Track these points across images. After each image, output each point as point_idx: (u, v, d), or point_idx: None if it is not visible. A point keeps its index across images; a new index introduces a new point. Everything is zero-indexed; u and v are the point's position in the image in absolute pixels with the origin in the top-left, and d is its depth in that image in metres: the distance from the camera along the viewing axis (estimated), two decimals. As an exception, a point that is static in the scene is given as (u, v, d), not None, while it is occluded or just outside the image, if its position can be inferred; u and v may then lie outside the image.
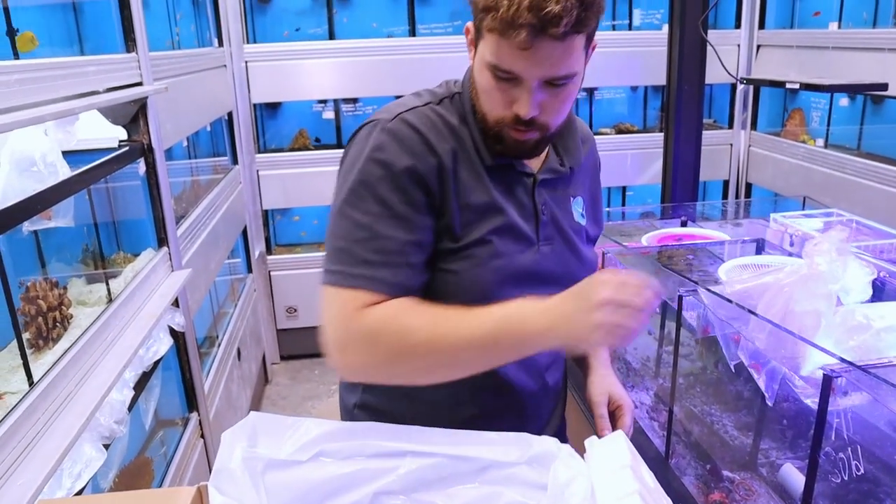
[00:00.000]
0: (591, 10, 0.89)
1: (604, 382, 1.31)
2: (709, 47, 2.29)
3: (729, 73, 2.38)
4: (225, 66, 3.39)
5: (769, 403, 1.31)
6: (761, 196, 3.76)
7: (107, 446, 1.43)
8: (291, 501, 0.87)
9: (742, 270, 1.62)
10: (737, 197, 3.89)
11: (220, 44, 3.37)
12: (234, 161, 3.55)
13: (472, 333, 0.89)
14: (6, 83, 1.21)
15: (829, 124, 3.27)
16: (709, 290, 1.32)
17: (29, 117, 1.15)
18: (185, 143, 2.66)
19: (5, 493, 1.03)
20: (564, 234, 1.13)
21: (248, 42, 3.53)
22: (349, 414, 1.20)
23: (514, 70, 0.92)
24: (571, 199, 1.18)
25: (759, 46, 3.67)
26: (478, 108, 1.02)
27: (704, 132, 3.81)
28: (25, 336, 1.31)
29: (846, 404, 1.06)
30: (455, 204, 1.01)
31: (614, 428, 1.23)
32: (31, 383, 1.22)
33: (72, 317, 1.46)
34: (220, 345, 2.76)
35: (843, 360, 1.02)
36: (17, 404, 1.15)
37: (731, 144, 3.87)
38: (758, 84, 2.62)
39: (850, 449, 0.98)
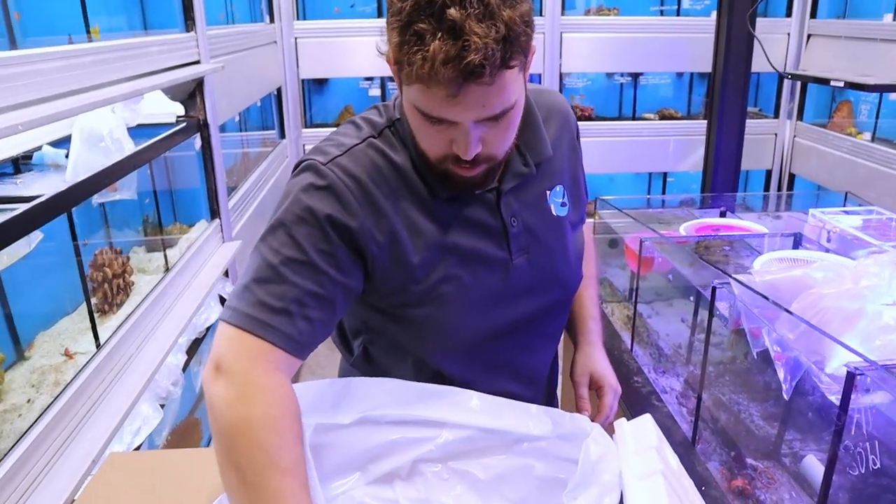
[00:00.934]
0: (516, 43, 0.79)
1: (588, 362, 1.28)
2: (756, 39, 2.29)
3: (774, 68, 2.37)
4: (275, 42, 3.47)
5: (785, 397, 1.35)
6: (804, 188, 3.72)
7: (163, 406, 1.54)
8: (336, 463, 0.95)
9: (777, 264, 1.64)
10: (779, 188, 3.86)
11: (272, 20, 3.45)
12: (282, 135, 3.65)
13: None
14: (82, 64, 1.30)
15: (877, 118, 3.23)
16: (739, 281, 1.35)
17: (103, 98, 1.23)
18: (237, 118, 2.75)
19: (77, 446, 1.13)
20: (540, 238, 1.05)
21: (297, 18, 3.60)
22: None
23: (444, 117, 0.84)
24: (548, 192, 1.09)
25: (809, 36, 3.61)
26: (416, 144, 0.93)
27: (749, 121, 3.79)
28: (93, 301, 1.41)
29: (868, 402, 1.10)
30: (409, 247, 0.94)
31: (594, 410, 1.22)
32: (98, 345, 1.32)
33: (133, 284, 1.56)
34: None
35: (867, 358, 1.05)
36: (85, 364, 1.25)
37: (776, 134, 3.83)
38: (803, 80, 2.61)
39: (868, 444, 1.02)
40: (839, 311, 1.22)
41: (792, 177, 3.81)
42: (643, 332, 2.07)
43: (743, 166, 3.94)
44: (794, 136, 3.75)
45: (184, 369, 1.72)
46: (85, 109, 1.16)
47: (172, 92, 1.98)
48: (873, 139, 3.19)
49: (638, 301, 2.11)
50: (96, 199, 1.49)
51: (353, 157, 0.93)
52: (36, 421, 1.07)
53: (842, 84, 1.91)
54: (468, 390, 0.97)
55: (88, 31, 1.46)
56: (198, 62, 2.01)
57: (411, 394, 0.96)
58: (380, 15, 3.61)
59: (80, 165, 1.43)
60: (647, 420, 0.96)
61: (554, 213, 1.08)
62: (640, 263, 2.09)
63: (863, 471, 1.04)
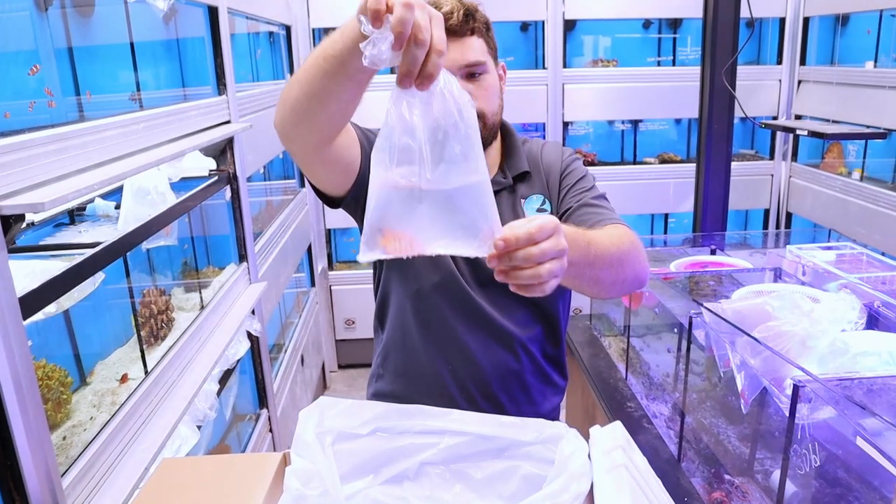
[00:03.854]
0: (475, 17, 1.25)
1: None
2: (736, 91, 2.49)
3: (747, 117, 2.57)
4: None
5: (743, 411, 1.50)
6: (801, 226, 3.88)
7: (199, 427, 1.72)
8: (354, 466, 1.13)
9: (753, 297, 1.81)
10: (777, 226, 4.02)
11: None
12: (302, 184, 3.88)
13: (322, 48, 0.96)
14: (136, 131, 1.52)
15: (864, 158, 3.40)
16: (709, 309, 1.52)
17: (155, 159, 1.45)
18: (261, 169, 2.98)
19: (132, 454, 1.31)
20: None
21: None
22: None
23: None
24: (522, 200, 1.38)
25: (800, 82, 3.82)
26: None
27: (746, 163, 3.99)
28: (142, 333, 1.61)
29: (819, 417, 1.26)
30: None
31: None
32: (146, 371, 1.51)
33: (174, 320, 1.76)
34: (286, 351, 3.06)
35: (809, 373, 1.22)
36: (136, 387, 1.44)
37: (773, 175, 4.01)
38: (774, 129, 2.80)
39: (811, 445, 1.18)
40: (794, 337, 1.38)
41: (789, 215, 3.97)
42: (636, 363, 2.24)
43: (741, 206, 4.14)
44: (790, 177, 3.93)
45: (217, 395, 1.90)
46: (141, 170, 1.37)
47: (206, 149, 2.21)
48: (862, 178, 3.36)
49: (631, 335, 2.28)
50: (144, 245, 1.69)
51: None
52: (98, 434, 1.25)
53: (805, 133, 2.10)
54: (466, 411, 1.15)
55: (141, 104, 1.69)
56: (228, 122, 2.24)
57: (418, 412, 1.14)
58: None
59: (130, 216, 1.64)
60: (617, 426, 1.13)
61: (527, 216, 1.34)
62: (631, 299, 2.26)
63: (808, 469, 1.20)
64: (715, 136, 2.41)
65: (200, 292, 1.92)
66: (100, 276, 1.33)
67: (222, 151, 2.26)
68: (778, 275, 2.11)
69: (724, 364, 1.55)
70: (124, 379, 1.44)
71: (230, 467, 1.15)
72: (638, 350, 2.24)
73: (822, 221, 3.62)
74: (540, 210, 1.39)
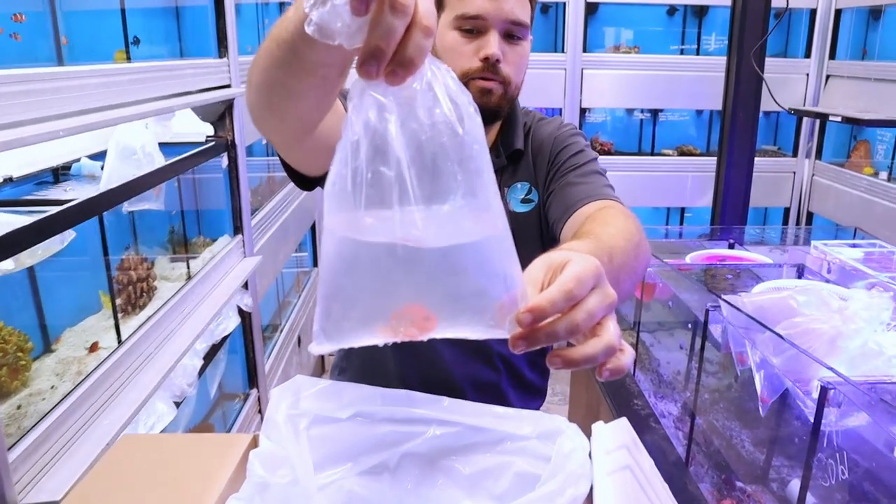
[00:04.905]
0: None
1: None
2: (766, 76, 2.36)
3: (777, 104, 2.44)
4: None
5: (761, 413, 1.38)
6: (819, 225, 3.74)
7: (178, 404, 1.62)
8: (330, 453, 1.02)
9: (775, 292, 1.69)
10: (797, 225, 3.88)
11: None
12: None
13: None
14: (120, 83, 1.41)
15: (894, 157, 3.25)
16: (728, 302, 1.41)
17: (137, 112, 1.34)
18: (265, 141, 2.88)
19: (95, 429, 1.21)
20: None
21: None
22: None
23: (481, 13, 1.07)
24: (506, 189, 1.21)
25: (828, 77, 3.66)
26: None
27: (768, 159, 3.85)
28: (118, 301, 1.51)
29: (849, 424, 1.14)
30: None
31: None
32: (120, 341, 1.41)
33: (156, 289, 1.66)
34: (282, 331, 2.96)
35: (840, 374, 1.10)
36: (107, 357, 1.34)
37: (794, 173, 3.86)
38: (803, 115, 2.66)
39: (838, 455, 1.06)
40: (823, 335, 1.26)
41: (810, 215, 3.83)
42: (645, 359, 2.12)
43: (761, 203, 3.99)
44: (813, 175, 3.78)
45: (200, 374, 1.80)
46: (120, 121, 1.27)
47: (204, 113, 2.10)
48: (889, 178, 3.22)
49: (641, 330, 2.16)
50: (126, 208, 1.59)
51: None
52: (58, 405, 1.15)
53: (839, 119, 1.96)
54: (458, 399, 1.04)
55: (129, 54, 1.58)
56: (228, 86, 2.13)
57: (405, 397, 1.03)
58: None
59: (114, 176, 1.54)
60: (622, 423, 1.01)
61: (511, 207, 1.20)
62: (644, 289, 2.14)
63: (833, 482, 1.08)
64: (739, 125, 2.28)
65: (188, 262, 1.82)
66: (69, 235, 1.23)
67: (221, 117, 2.15)
68: (801, 271, 1.99)
69: (741, 362, 1.43)
70: (94, 348, 1.34)
71: (194, 447, 1.04)
72: (648, 345, 2.12)
73: (845, 222, 3.47)
74: (525, 200, 1.21)
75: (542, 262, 0.64)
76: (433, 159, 0.53)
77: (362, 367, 1.27)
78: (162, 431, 1.52)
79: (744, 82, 2.26)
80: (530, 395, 1.34)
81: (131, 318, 1.53)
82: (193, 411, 1.90)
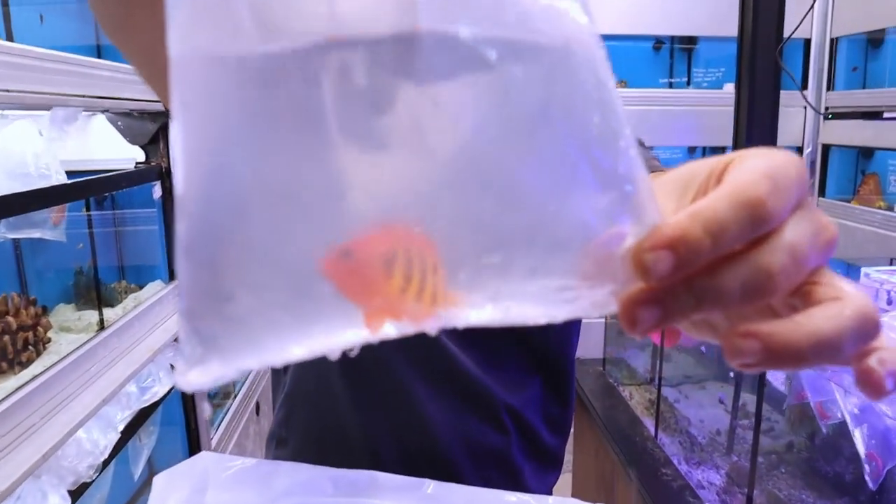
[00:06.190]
0: None
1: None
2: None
3: (811, 106, 2.17)
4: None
5: (871, 486, 1.03)
6: (831, 267, 3.46)
7: (76, 494, 1.22)
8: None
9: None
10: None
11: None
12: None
13: None
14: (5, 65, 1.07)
15: (909, 189, 3.00)
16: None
17: (19, 99, 1.00)
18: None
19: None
20: None
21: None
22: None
23: None
24: None
25: (827, 108, 3.44)
26: None
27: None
28: (-15, 355, 1.13)
29: None
30: None
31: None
32: (-20, 410, 1.02)
33: (49, 341, 1.28)
34: (235, 396, 2.55)
35: None
36: (-45, 433, 0.95)
37: (797, 212, 3.60)
38: (849, 117, 2.38)
39: None
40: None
41: (816, 257, 3.55)
42: (669, 418, 1.76)
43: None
44: (817, 215, 3.52)
45: (116, 451, 1.41)
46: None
47: (131, 133, 1.76)
48: (906, 212, 2.95)
49: (663, 382, 1.80)
50: (5, 234, 1.23)
51: None
52: None
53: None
54: (449, 484, 0.67)
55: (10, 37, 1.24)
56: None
57: (368, 481, 0.67)
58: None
59: (-8, 192, 1.18)
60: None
61: None
62: (664, 334, 1.80)
63: None
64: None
65: (101, 309, 1.44)
66: None
67: (153, 139, 1.81)
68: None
69: (822, 414, 1.09)
70: (-68, 419, 0.95)
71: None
72: (672, 402, 1.76)
73: (856, 260, 3.19)
74: None
75: (671, 176, 0.35)
76: None
77: (307, 434, 0.88)
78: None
79: (758, 122, 2.01)
80: (547, 465, 0.96)
81: (8, 377, 1.15)
82: (108, 498, 1.49)
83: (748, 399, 1.55)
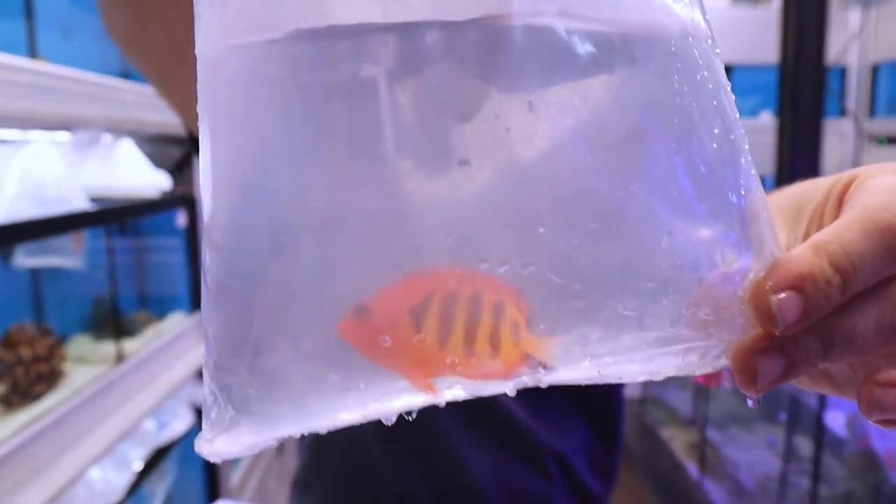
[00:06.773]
0: None
1: None
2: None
3: (860, 126, 2.08)
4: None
5: None
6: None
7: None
8: None
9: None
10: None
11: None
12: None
13: None
14: (19, 83, 1.04)
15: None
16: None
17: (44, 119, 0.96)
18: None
19: None
20: None
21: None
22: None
23: None
24: None
25: (869, 136, 3.35)
26: None
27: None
28: (-4, 388, 1.08)
29: None
30: None
31: None
32: (-14, 446, 0.97)
33: (65, 374, 1.22)
34: (258, 433, 2.49)
35: None
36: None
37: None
38: None
39: None
40: None
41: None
42: (714, 462, 1.65)
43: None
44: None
45: (132, 491, 1.34)
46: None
47: (158, 159, 1.73)
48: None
49: (708, 423, 1.70)
50: (24, 261, 1.19)
51: None
52: None
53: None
54: None
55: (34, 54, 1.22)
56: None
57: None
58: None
59: (7, 211, 1.15)
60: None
61: None
62: (709, 375, 1.71)
63: None
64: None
65: (118, 340, 1.39)
66: None
67: (179, 166, 1.77)
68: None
69: (892, 463, 0.99)
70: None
71: None
72: (717, 446, 1.66)
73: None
74: None
75: (778, 199, 0.31)
76: None
77: (336, 478, 0.81)
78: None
79: (801, 150, 1.93)
80: None
81: (18, 411, 1.09)
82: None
83: (801, 442, 1.45)
